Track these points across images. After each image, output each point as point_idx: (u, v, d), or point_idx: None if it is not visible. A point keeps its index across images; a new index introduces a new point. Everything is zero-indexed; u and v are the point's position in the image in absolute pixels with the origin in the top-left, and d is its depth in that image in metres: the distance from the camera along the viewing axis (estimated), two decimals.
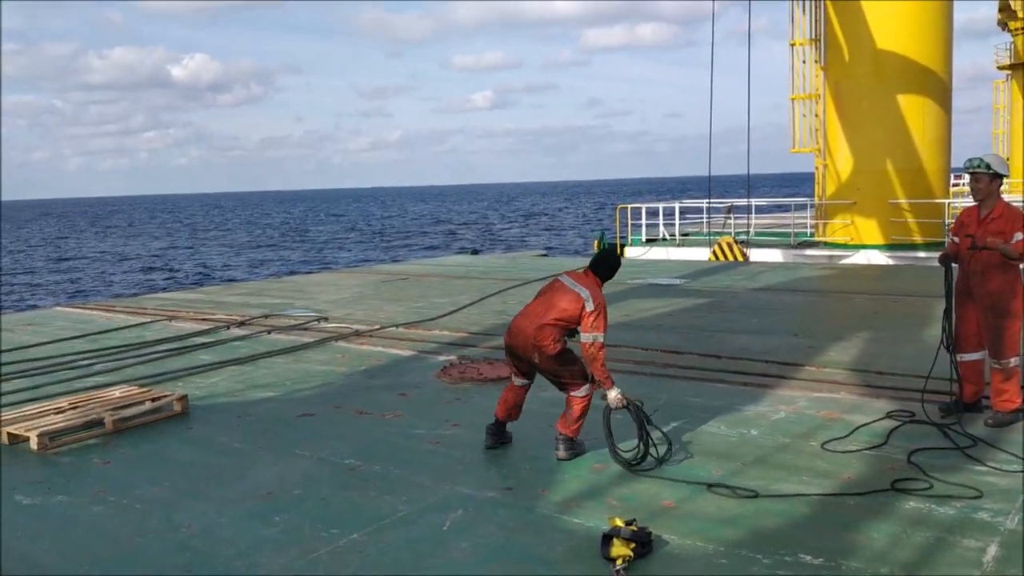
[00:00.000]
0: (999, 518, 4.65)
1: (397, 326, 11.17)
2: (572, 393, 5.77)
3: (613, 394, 5.62)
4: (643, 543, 4.29)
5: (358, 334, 10.69)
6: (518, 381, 6.01)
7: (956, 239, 6.56)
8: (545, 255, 26.15)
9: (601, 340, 5.56)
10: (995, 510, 4.76)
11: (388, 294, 14.55)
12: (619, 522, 4.39)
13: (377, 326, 11.14)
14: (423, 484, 5.40)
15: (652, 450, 5.63)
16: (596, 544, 4.33)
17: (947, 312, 6.55)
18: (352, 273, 19.75)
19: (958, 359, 6.55)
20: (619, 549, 4.19)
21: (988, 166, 6.29)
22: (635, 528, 4.35)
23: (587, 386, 5.75)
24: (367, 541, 4.58)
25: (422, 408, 7.22)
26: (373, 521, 4.84)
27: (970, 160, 6.38)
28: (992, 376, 6.43)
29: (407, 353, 9.57)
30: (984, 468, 5.41)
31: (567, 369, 5.73)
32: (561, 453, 5.76)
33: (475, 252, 25.95)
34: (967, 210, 6.63)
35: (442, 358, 9.24)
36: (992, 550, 4.27)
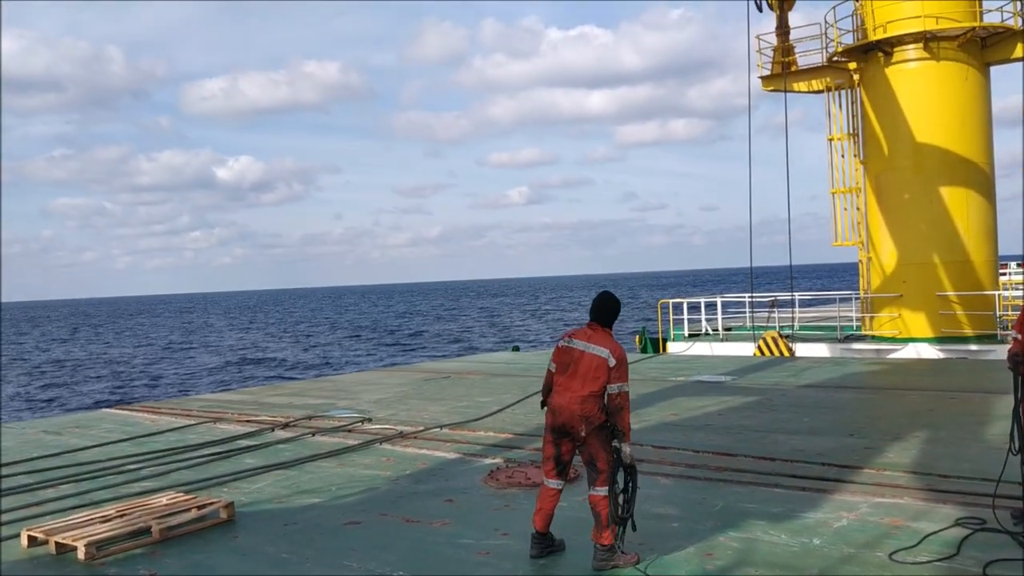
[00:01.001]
0: None
1: (441, 427, 11.06)
2: (599, 490, 5.72)
3: (628, 449, 5.69)
4: None
5: (402, 435, 10.59)
6: (553, 483, 5.93)
7: (1020, 336, 6.37)
8: None
9: (627, 390, 5.70)
10: None
11: (431, 393, 14.49)
12: None
13: (421, 427, 11.05)
14: None
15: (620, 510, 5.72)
16: None
17: (1016, 412, 6.31)
18: (394, 371, 19.76)
19: None
20: None
21: None
22: None
23: (606, 487, 5.72)
24: None
25: (470, 515, 7.06)
26: None
27: None
28: None
29: (452, 456, 9.44)
30: None
31: (606, 452, 5.74)
32: (603, 563, 5.65)
33: (516, 349, 25.86)
34: None
35: (488, 461, 9.10)
36: None
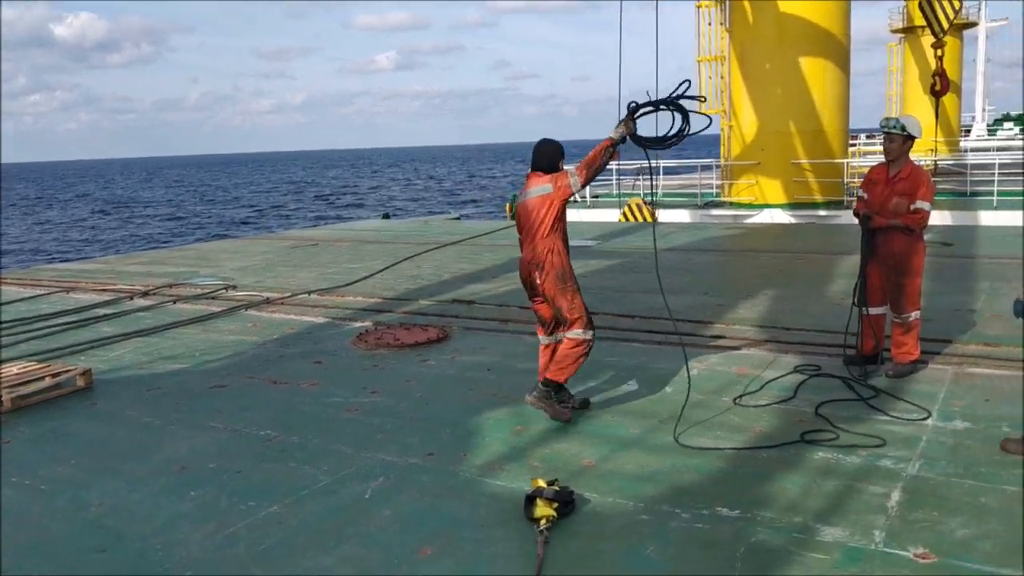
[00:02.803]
0: (901, 465, 4.87)
1: (309, 293, 10.96)
2: (566, 334, 5.67)
3: (618, 132, 5.48)
4: (566, 503, 4.34)
5: (269, 302, 10.45)
6: (543, 339, 5.95)
7: (865, 195, 6.76)
8: (458, 219, 26.02)
9: (577, 176, 5.47)
10: (897, 457, 4.98)
11: (298, 260, 14.26)
12: (541, 483, 4.43)
13: (288, 293, 10.92)
14: (343, 453, 5.34)
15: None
16: (519, 506, 4.36)
17: (863, 269, 6.74)
18: (259, 239, 19.28)
19: (861, 313, 6.79)
20: (542, 510, 4.23)
21: (903, 127, 6.50)
22: (557, 488, 4.39)
23: (583, 331, 5.63)
24: (287, 513, 4.51)
25: (339, 376, 7.12)
26: (292, 492, 4.76)
27: (887, 120, 6.58)
28: (892, 330, 6.69)
29: (321, 320, 9.41)
30: (886, 418, 5.65)
31: (567, 299, 5.59)
32: (536, 400, 5.67)
33: (387, 216, 25.62)
34: (876, 167, 6.83)
35: (357, 324, 9.13)
36: (896, 495, 4.47)
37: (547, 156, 5.74)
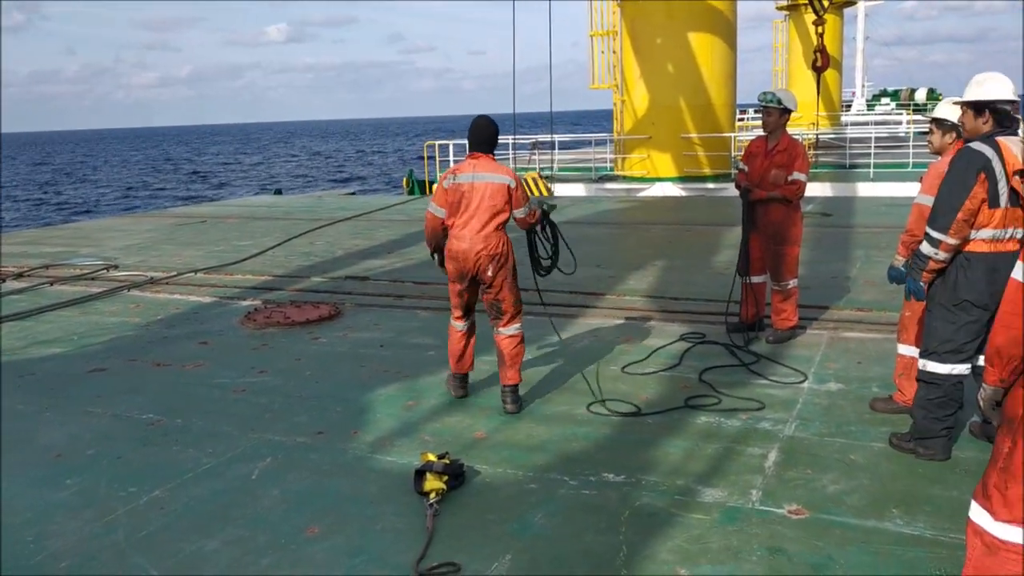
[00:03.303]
0: (779, 426, 5.08)
1: (196, 271, 10.63)
2: (505, 331, 5.48)
3: (539, 204, 5.62)
4: (456, 475, 4.36)
5: (153, 282, 10.09)
6: (460, 325, 5.63)
7: (745, 168, 6.96)
8: (353, 194, 25.63)
9: (534, 207, 5.52)
10: (775, 419, 5.19)
11: (185, 238, 13.80)
12: (431, 457, 4.44)
13: (174, 272, 10.56)
14: (229, 435, 5.22)
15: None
16: (410, 481, 4.36)
17: (744, 239, 6.96)
18: (143, 217, 18.57)
19: (743, 282, 7.03)
20: (432, 483, 4.24)
21: (779, 101, 6.71)
22: (448, 461, 4.41)
23: (519, 324, 5.53)
24: (169, 497, 4.38)
25: (226, 356, 6.94)
26: (175, 476, 4.63)
27: (764, 94, 6.77)
28: (772, 297, 6.95)
29: (208, 300, 9.14)
30: (766, 382, 5.88)
31: (513, 294, 5.45)
32: (516, 405, 5.47)
33: (279, 192, 25.02)
34: (755, 140, 7.04)
35: (246, 303, 8.91)
36: (773, 455, 4.67)
37: (491, 136, 5.44)
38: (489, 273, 5.35)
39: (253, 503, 4.30)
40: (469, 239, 5.29)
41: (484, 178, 5.30)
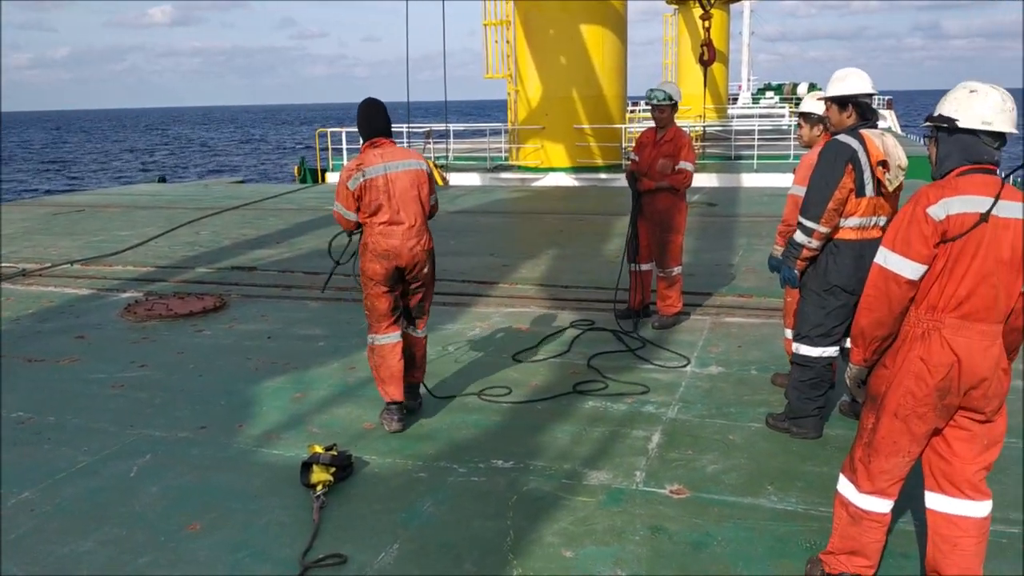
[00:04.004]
0: (662, 409, 5.23)
1: (72, 263, 10.16)
2: (420, 333, 5.20)
3: None
4: (343, 467, 4.32)
5: (25, 274, 9.59)
6: (393, 336, 5.02)
7: (636, 158, 7.10)
8: (242, 182, 24.94)
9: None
10: (659, 402, 5.34)
11: (61, 228, 13.15)
12: (318, 448, 4.38)
13: (48, 264, 10.07)
14: (106, 431, 5.02)
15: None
16: (296, 474, 4.30)
17: (632, 228, 7.11)
18: (13, 206, 17.60)
19: (631, 269, 7.19)
20: (319, 475, 4.19)
21: (670, 97, 6.85)
22: (335, 453, 4.36)
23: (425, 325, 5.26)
24: (41, 498, 4.19)
25: (103, 351, 6.67)
26: (47, 476, 4.43)
27: (653, 93, 6.88)
28: (658, 284, 7.13)
29: (85, 292, 8.76)
30: (651, 366, 6.04)
31: (432, 290, 5.18)
32: (416, 403, 5.26)
33: (163, 180, 24.13)
34: (646, 131, 7.18)
35: (126, 295, 8.58)
36: (656, 437, 4.80)
37: (388, 119, 4.99)
38: (425, 270, 5.00)
39: (131, 501, 4.15)
40: (401, 235, 4.84)
41: (397, 167, 4.85)
